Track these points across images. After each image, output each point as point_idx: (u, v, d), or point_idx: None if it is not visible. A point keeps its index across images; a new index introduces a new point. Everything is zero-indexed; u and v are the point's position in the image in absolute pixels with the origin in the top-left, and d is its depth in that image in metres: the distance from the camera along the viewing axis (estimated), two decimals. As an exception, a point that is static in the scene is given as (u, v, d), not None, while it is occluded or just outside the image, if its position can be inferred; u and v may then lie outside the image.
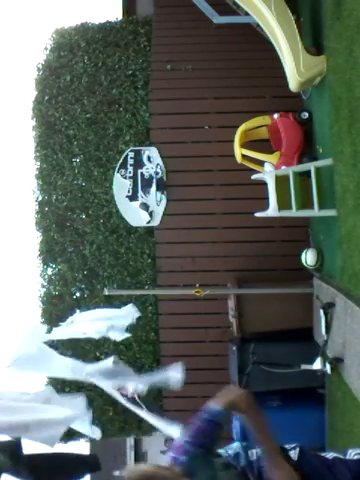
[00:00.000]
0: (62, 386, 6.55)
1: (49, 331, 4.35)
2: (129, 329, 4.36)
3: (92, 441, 7.68)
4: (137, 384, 3.72)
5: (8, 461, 2.04)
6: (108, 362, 3.75)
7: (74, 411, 2.99)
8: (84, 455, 3.06)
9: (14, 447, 2.14)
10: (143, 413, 3.77)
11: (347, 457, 2.20)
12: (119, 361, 3.83)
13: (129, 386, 3.74)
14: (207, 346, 6.40)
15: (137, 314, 4.19)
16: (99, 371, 3.67)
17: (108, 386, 3.74)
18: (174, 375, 3.83)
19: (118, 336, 4.10)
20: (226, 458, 2.08)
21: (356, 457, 2.18)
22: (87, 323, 4.22)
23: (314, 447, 2.28)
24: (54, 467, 2.16)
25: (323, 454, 2.21)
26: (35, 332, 3.98)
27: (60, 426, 2.90)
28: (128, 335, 4.18)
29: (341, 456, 2.18)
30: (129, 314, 4.13)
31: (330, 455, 2.19)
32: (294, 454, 2.14)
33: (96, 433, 3.74)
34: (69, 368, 3.83)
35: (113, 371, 3.70)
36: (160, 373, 3.93)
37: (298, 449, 2.17)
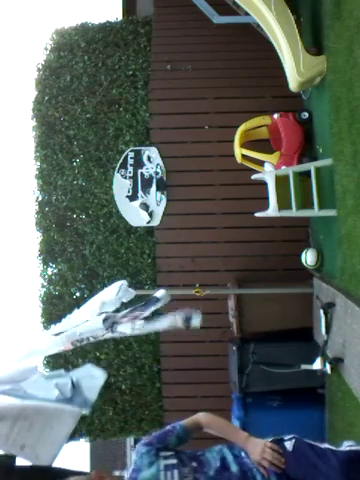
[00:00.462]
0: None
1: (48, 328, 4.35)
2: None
3: (92, 441, 7.68)
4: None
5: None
6: (98, 320, 3.74)
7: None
8: (75, 471, 3.04)
9: (7, 460, 2.15)
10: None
11: (340, 448, 2.31)
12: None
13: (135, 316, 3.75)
14: (207, 346, 6.41)
15: (130, 293, 4.12)
16: (94, 329, 3.66)
17: (113, 334, 3.74)
18: (160, 294, 3.88)
19: (111, 308, 4.05)
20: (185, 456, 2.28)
21: (347, 449, 2.30)
22: (81, 310, 4.21)
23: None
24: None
25: (317, 444, 2.33)
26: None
27: (56, 444, 2.89)
28: (119, 304, 4.11)
29: (333, 447, 2.30)
30: (117, 287, 4.07)
31: (324, 446, 2.32)
32: (290, 445, 2.28)
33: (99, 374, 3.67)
34: (64, 338, 3.81)
35: (108, 323, 3.69)
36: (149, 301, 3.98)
37: (294, 440, 2.30)
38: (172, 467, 2.18)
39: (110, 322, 3.74)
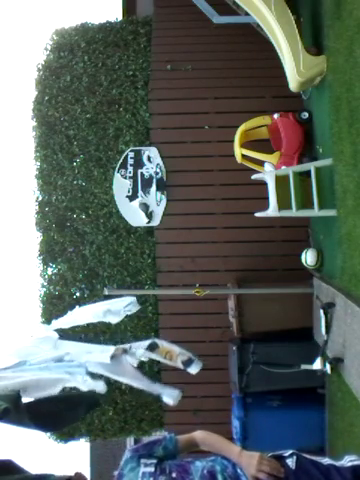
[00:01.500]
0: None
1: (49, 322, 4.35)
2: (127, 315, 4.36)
3: (92, 441, 7.68)
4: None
5: (10, 409, 2.10)
6: (106, 356, 3.74)
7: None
8: (83, 394, 3.05)
9: (14, 398, 2.19)
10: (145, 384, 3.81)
11: (342, 463, 2.22)
12: (119, 350, 3.83)
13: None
14: (207, 346, 6.40)
15: (136, 307, 4.16)
16: (99, 363, 3.67)
17: (106, 373, 3.73)
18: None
19: (114, 319, 4.09)
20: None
21: (350, 464, 2.20)
22: (85, 311, 4.22)
23: (311, 449, 2.28)
24: (54, 411, 2.23)
25: (319, 459, 2.23)
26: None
27: (56, 384, 2.92)
28: (123, 316, 4.16)
29: (336, 463, 2.21)
30: (127, 301, 4.11)
31: (325, 461, 2.22)
32: (291, 463, 2.19)
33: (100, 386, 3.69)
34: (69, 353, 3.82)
35: (112, 366, 3.70)
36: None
37: (295, 457, 2.21)
38: (148, 475, 2.18)
39: (117, 374, 3.76)
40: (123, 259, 6.43)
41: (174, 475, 2.19)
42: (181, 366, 3.89)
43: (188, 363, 3.91)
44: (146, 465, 2.21)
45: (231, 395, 5.82)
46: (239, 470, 2.20)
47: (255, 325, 5.77)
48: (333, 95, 4.66)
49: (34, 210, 6.64)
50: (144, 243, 6.42)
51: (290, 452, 2.24)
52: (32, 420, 2.41)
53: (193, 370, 3.90)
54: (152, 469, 2.19)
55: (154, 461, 2.22)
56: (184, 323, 6.45)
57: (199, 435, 2.36)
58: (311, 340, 5.55)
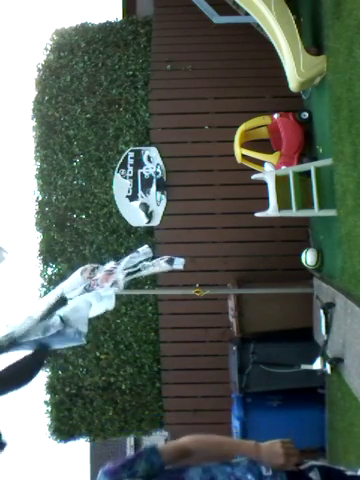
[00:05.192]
0: (62, 386, 6.57)
1: None
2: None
3: (92, 441, 7.68)
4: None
5: None
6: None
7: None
8: (27, 356, 3.08)
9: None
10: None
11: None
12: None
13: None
14: (207, 346, 6.41)
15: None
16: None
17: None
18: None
19: (110, 304, 4.14)
20: None
21: None
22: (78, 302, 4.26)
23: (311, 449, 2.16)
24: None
25: (342, 470, 2.07)
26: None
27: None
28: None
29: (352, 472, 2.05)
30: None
31: (350, 473, 2.05)
32: (316, 476, 1.99)
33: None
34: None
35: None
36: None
37: (316, 469, 2.01)
38: None
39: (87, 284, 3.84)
40: (123, 259, 6.43)
41: None
42: (167, 266, 4.01)
43: (171, 261, 4.03)
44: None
45: (231, 395, 5.82)
46: (249, 475, 1.95)
47: (255, 325, 5.77)
48: (333, 95, 4.66)
49: (34, 210, 6.64)
50: (144, 243, 6.41)
51: (309, 464, 2.03)
52: None
53: (178, 265, 4.02)
54: None
55: None
56: (184, 323, 6.45)
57: (191, 441, 2.00)
58: (311, 340, 5.55)
